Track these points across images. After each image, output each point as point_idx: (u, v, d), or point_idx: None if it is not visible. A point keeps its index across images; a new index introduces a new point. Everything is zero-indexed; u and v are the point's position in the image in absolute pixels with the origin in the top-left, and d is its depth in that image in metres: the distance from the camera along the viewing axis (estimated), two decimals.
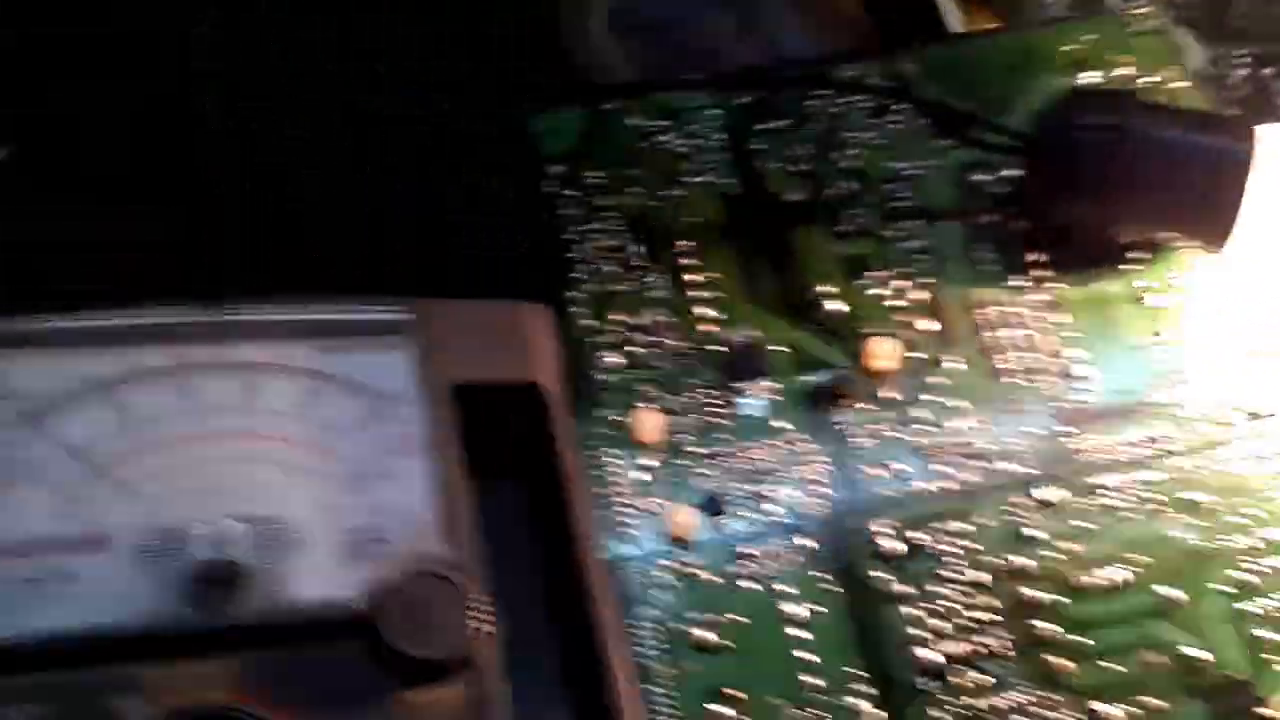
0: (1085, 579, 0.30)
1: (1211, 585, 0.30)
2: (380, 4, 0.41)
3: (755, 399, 0.32)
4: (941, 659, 0.29)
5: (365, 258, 0.36)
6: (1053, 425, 0.32)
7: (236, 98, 0.39)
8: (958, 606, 0.30)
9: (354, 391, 0.30)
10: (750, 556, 0.30)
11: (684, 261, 0.34)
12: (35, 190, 0.37)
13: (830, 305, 0.34)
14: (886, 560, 0.30)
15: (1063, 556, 0.30)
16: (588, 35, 0.40)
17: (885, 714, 0.28)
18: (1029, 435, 0.32)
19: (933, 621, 0.29)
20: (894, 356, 0.33)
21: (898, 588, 0.30)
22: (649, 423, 0.32)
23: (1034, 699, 0.29)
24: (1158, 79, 0.38)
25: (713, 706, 0.28)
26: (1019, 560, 0.30)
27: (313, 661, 0.25)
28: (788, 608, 0.30)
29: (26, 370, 0.28)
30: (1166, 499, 0.31)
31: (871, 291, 0.34)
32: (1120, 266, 0.35)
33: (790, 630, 0.29)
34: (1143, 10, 0.39)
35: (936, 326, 0.34)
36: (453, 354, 0.31)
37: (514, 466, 0.31)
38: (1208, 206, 0.33)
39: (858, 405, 0.32)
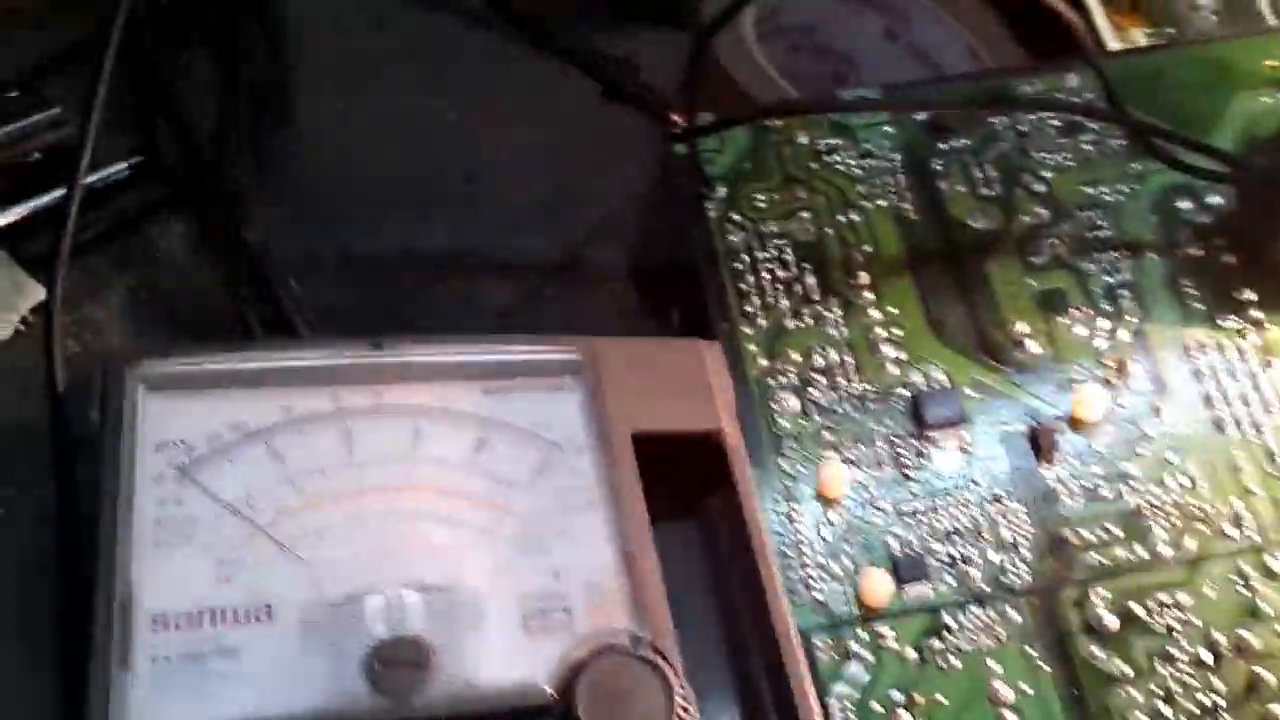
0: None
1: None
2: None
3: (949, 450, 0.30)
4: None
5: (527, 294, 0.34)
6: None
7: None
8: (1181, 688, 0.27)
9: (526, 440, 0.28)
10: (948, 629, 0.28)
11: (862, 295, 0.32)
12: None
13: (1029, 345, 0.31)
14: (1101, 635, 0.28)
15: None
16: (741, 46, 0.37)
17: None
18: (1258, 497, 0.29)
19: (1154, 704, 0.27)
20: (1102, 405, 0.30)
21: (1115, 666, 0.27)
22: (832, 475, 0.29)
23: None
24: None
25: None
26: (1249, 636, 0.28)
27: None
28: (994, 686, 0.27)
29: (181, 417, 0.26)
30: None
31: (1074, 330, 0.31)
32: None
33: (997, 712, 0.27)
34: None
35: (1147, 371, 0.31)
36: (628, 398, 0.28)
37: (688, 515, 0.29)
38: None
39: (1063, 459, 0.30)
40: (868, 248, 0.32)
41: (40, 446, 0.29)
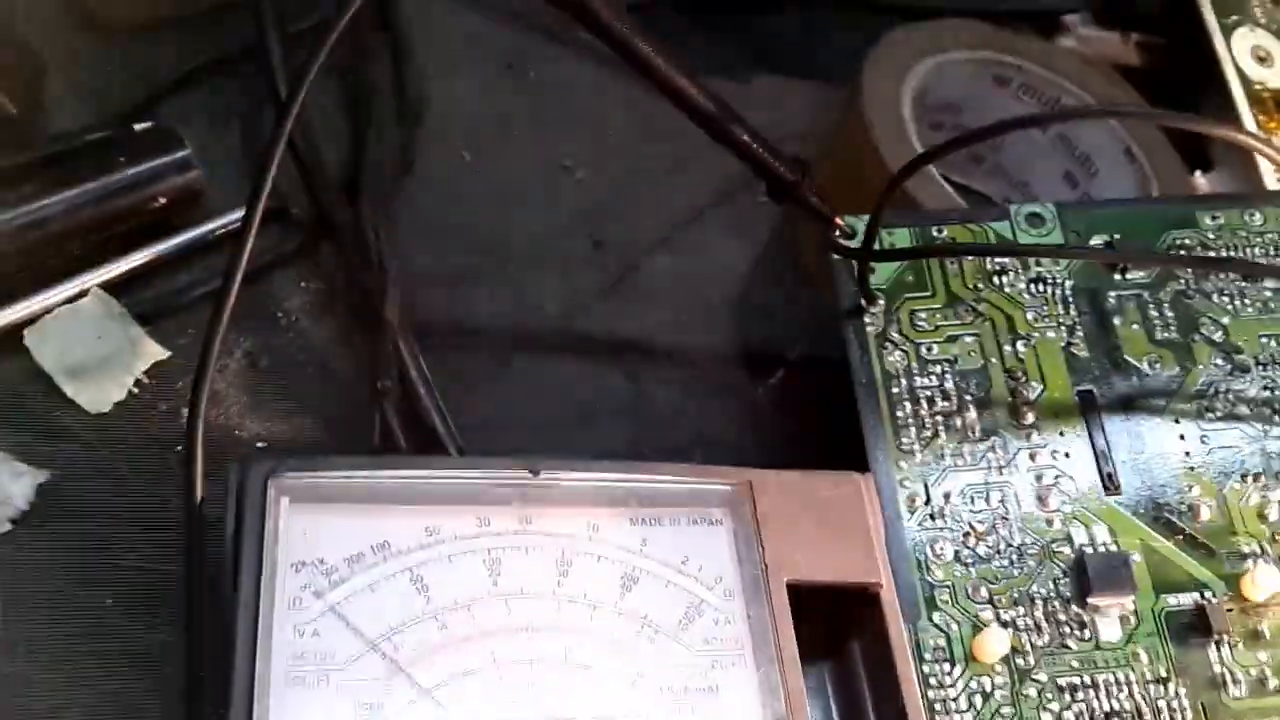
0: None
1: None
2: None
3: (1111, 619, 0.28)
4: None
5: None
6: None
7: None
8: None
9: (675, 580, 0.26)
10: None
11: (1029, 438, 0.30)
12: None
13: (1202, 511, 0.29)
14: None
15: None
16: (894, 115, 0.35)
17: None
18: None
19: None
20: (1273, 586, 0.28)
21: None
22: (989, 641, 0.27)
23: None
24: None
25: None
26: None
27: None
28: None
29: (322, 532, 0.25)
30: None
31: (1250, 499, 0.29)
32: None
33: None
34: None
35: None
36: (785, 540, 0.27)
37: (824, 656, 0.27)
38: None
39: (1233, 642, 0.28)
40: (1036, 385, 0.30)
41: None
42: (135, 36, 0.36)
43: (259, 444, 0.29)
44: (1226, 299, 0.32)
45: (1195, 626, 0.28)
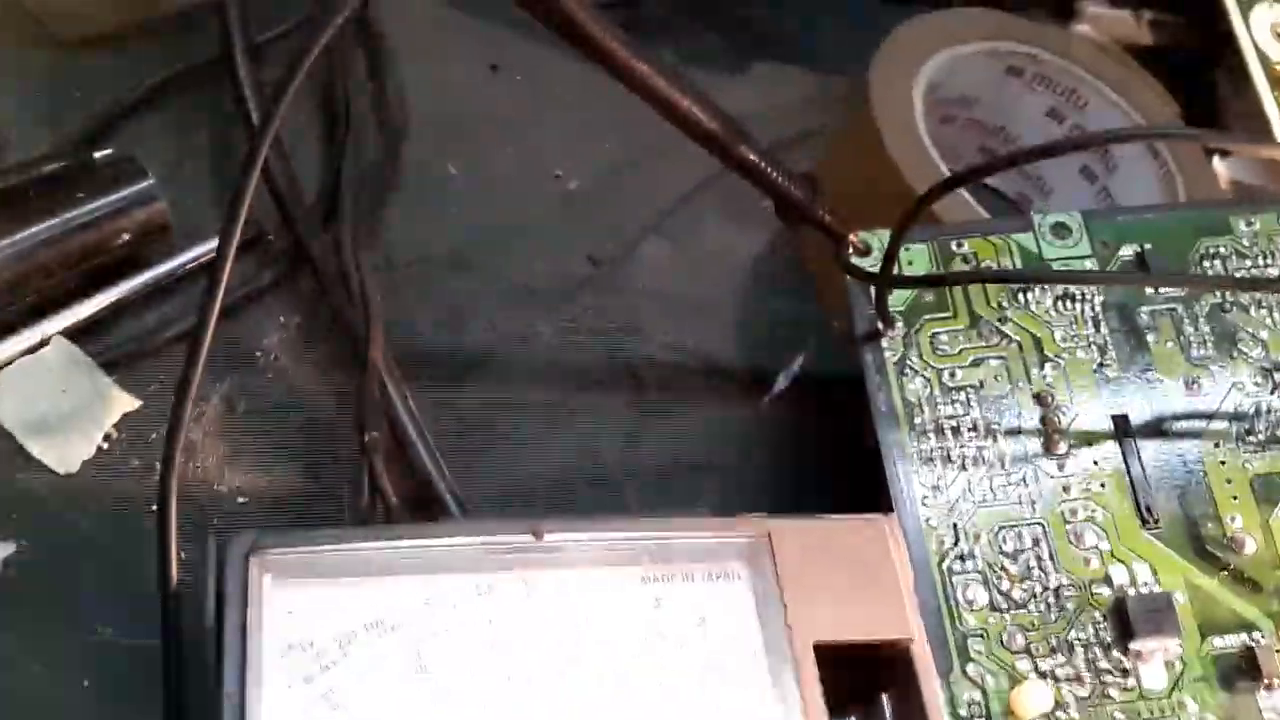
0: None
1: None
2: None
3: (1154, 665, 0.26)
4: None
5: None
6: None
7: None
8: None
9: (691, 645, 0.24)
10: None
11: (1063, 468, 0.28)
12: None
13: (1247, 544, 0.28)
14: None
15: None
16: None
17: None
18: None
19: None
20: None
21: None
22: (1028, 697, 0.25)
23: None
24: None
25: None
26: None
27: None
28: None
29: (310, 610, 0.22)
30: None
31: None
32: None
33: None
34: None
35: None
36: (808, 596, 0.25)
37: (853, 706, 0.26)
38: None
39: None
40: (1065, 412, 0.29)
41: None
42: (89, 51, 0.33)
43: (239, 498, 0.28)
44: (1265, 312, 0.30)
45: (1243, 670, 0.26)
